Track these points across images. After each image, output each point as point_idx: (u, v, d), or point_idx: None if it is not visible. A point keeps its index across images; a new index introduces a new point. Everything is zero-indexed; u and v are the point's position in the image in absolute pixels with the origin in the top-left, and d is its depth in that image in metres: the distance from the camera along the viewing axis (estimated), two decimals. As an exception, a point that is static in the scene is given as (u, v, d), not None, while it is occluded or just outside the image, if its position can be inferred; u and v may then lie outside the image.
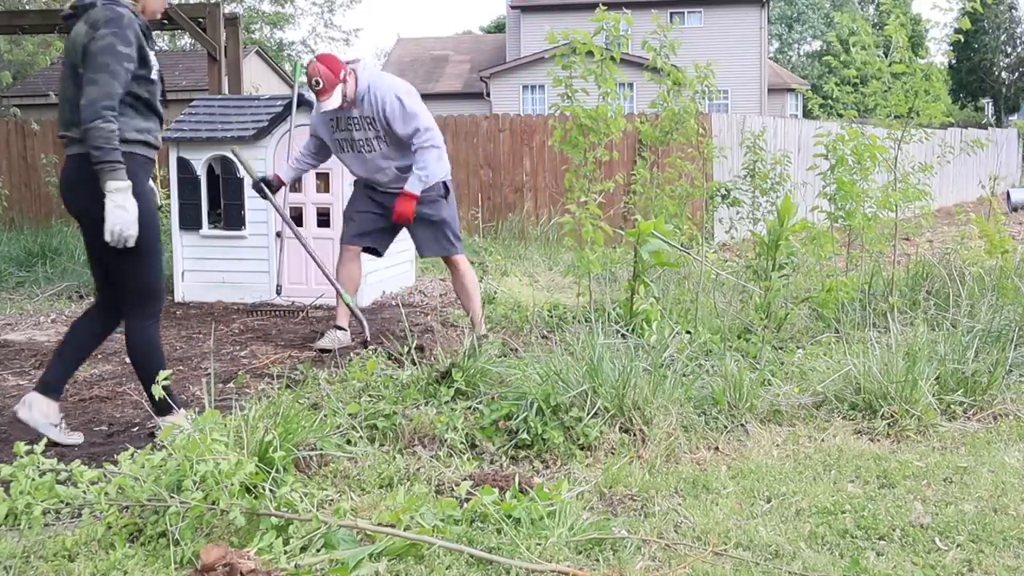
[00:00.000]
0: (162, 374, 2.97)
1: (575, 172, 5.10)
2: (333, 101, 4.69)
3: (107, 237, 3.19)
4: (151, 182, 3.48)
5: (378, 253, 5.26)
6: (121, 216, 3.17)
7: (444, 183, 5.00)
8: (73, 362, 3.67)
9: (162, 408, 3.42)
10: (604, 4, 5.15)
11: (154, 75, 3.38)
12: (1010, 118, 39.76)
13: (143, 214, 3.27)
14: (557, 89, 5.06)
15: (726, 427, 3.51)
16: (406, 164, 4.87)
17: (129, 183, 3.21)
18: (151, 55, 3.36)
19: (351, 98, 4.77)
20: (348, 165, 5.08)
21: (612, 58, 4.90)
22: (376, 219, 5.04)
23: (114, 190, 3.16)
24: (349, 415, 3.43)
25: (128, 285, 3.44)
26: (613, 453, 3.23)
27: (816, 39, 47.73)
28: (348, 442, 3.24)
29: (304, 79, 5.10)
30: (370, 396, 3.71)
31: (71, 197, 3.39)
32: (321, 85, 4.66)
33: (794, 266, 5.15)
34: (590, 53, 4.89)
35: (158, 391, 2.91)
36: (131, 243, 3.24)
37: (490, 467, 3.13)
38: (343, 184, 6.55)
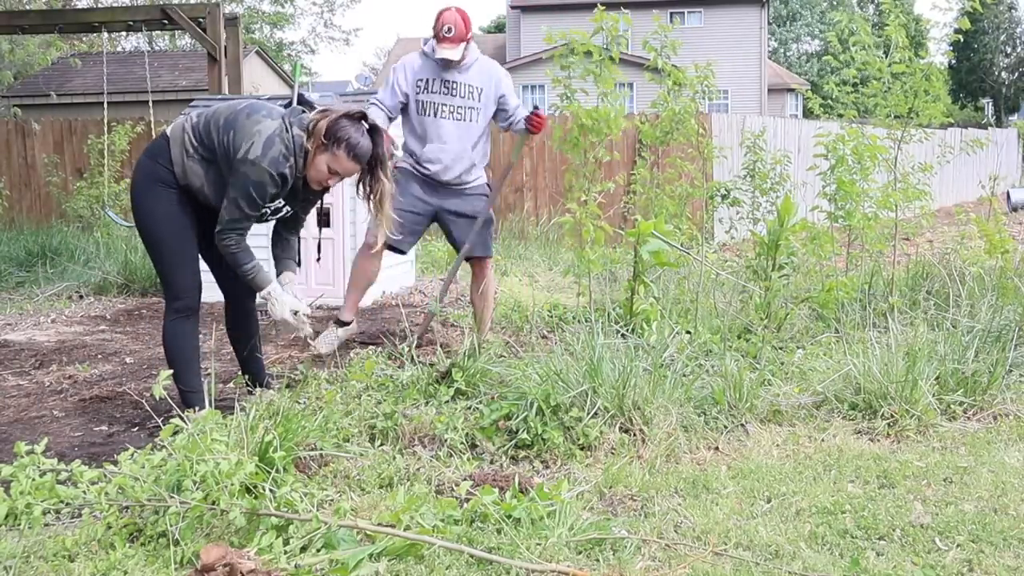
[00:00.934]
0: (163, 374, 2.97)
1: (575, 172, 5.09)
2: (454, 53, 4.50)
3: None
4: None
5: (403, 252, 5.10)
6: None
7: (488, 184, 4.91)
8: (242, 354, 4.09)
9: (186, 400, 3.62)
10: (604, 4, 5.15)
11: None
12: (1010, 118, 39.77)
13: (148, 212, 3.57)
14: (556, 89, 5.05)
15: (726, 427, 3.51)
16: (479, 160, 4.77)
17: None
18: None
19: (466, 62, 4.62)
20: (426, 133, 4.70)
21: (611, 58, 4.89)
22: (419, 221, 4.81)
23: None
24: (349, 415, 3.43)
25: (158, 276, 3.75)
26: (613, 453, 3.23)
27: (812, 37, 47.70)
28: (347, 441, 3.24)
29: (304, 79, 5.07)
30: (370, 396, 3.71)
31: None
32: (452, 33, 4.47)
33: (794, 266, 5.15)
34: (589, 53, 4.88)
35: (158, 391, 2.90)
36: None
37: (490, 467, 3.13)
38: (343, 184, 6.54)
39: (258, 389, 3.92)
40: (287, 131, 3.41)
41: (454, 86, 4.64)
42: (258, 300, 3.68)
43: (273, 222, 3.75)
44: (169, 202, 3.54)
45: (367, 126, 3.49)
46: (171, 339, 3.66)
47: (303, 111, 3.55)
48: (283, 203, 3.58)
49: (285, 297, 3.55)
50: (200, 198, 3.56)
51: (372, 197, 3.59)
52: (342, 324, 4.91)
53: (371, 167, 3.53)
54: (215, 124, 3.45)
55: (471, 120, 4.68)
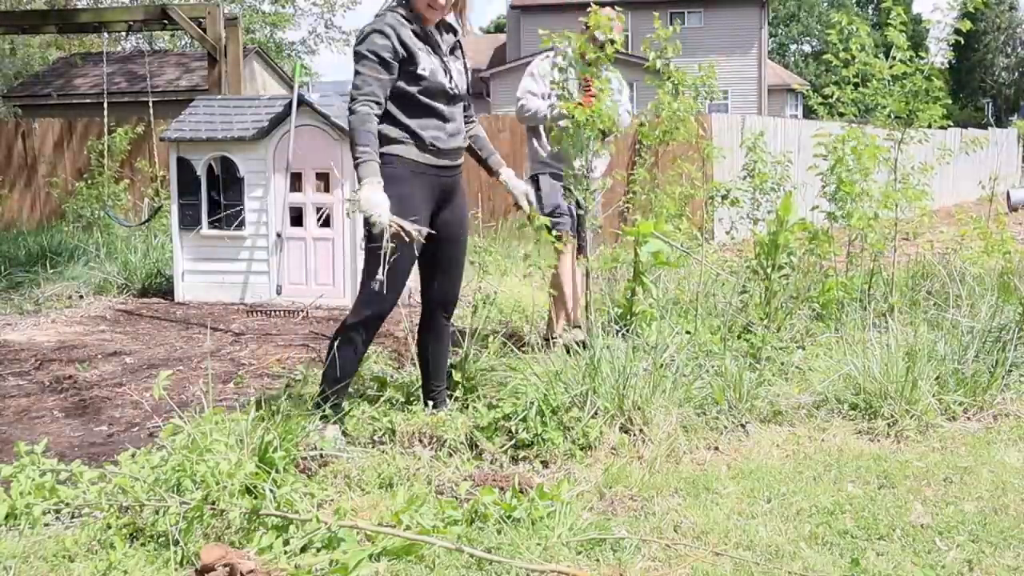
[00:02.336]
0: (163, 374, 2.97)
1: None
2: None
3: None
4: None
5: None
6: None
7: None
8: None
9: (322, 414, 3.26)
10: (603, 4, 5.14)
11: (421, 72, 3.29)
12: (1010, 118, 39.76)
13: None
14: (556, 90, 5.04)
15: (726, 427, 3.51)
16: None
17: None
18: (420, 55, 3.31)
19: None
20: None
21: (606, 56, 4.87)
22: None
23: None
24: (352, 417, 3.43)
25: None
26: (613, 453, 3.23)
27: (810, 36, 47.68)
28: (348, 441, 3.24)
29: (304, 79, 5.04)
30: (370, 396, 3.71)
31: None
32: None
33: (794, 266, 5.14)
34: (583, 55, 4.87)
35: (158, 391, 2.90)
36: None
37: (490, 467, 3.13)
38: (342, 185, 6.55)
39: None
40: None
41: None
42: (356, 187, 3.17)
43: (446, 110, 3.39)
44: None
45: None
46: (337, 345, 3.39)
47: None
48: (428, 68, 3.30)
49: (378, 196, 3.08)
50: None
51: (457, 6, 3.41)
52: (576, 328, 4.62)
53: None
54: None
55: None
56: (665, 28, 5.64)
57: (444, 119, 3.36)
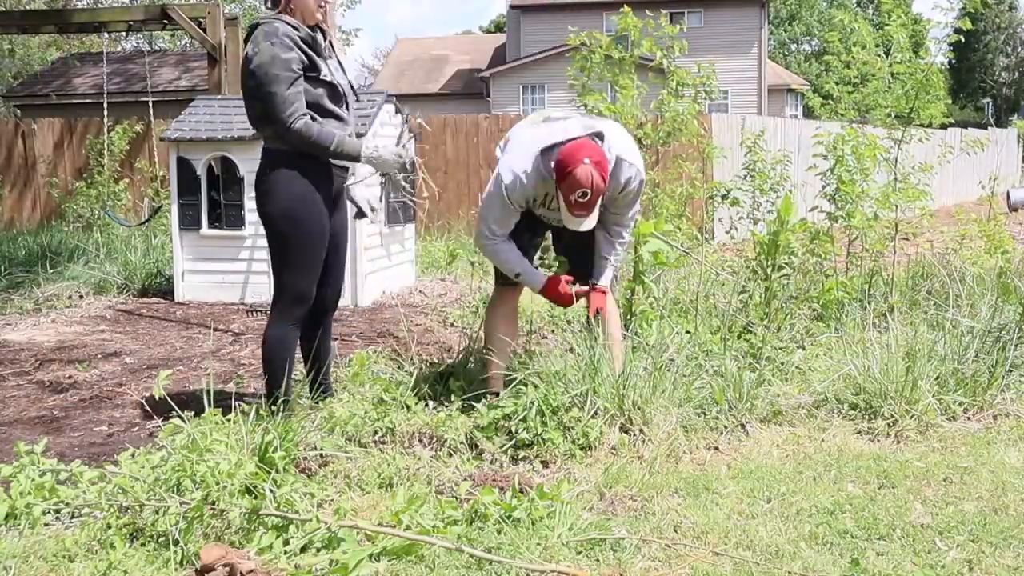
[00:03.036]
0: (163, 374, 2.97)
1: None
2: (590, 222, 3.46)
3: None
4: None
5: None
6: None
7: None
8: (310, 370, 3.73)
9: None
10: (606, 5, 5.15)
11: (324, 77, 3.35)
12: (1010, 118, 39.77)
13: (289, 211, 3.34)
14: (559, 91, 5.08)
15: (726, 427, 3.51)
16: None
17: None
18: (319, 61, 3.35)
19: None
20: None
21: (631, 60, 4.95)
22: None
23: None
24: (349, 415, 3.43)
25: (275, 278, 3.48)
26: (613, 453, 3.23)
27: (810, 36, 47.69)
28: (349, 441, 3.24)
29: None
30: (369, 396, 3.71)
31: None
32: (588, 198, 3.34)
33: (794, 266, 5.14)
34: (608, 56, 4.94)
35: (158, 391, 2.90)
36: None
37: (490, 467, 3.13)
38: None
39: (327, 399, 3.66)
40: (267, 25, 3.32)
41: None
42: (365, 155, 3.35)
43: (348, 116, 3.50)
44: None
45: None
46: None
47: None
48: (326, 73, 3.37)
49: (381, 141, 3.51)
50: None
51: None
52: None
53: None
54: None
55: None
56: (670, 27, 5.67)
57: (344, 121, 3.44)
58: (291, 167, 3.31)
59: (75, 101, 19.43)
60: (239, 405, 3.09)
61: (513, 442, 3.24)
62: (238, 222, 6.82)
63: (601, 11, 26.74)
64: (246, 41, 3.36)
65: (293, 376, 3.54)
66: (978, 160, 16.31)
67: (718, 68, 6.86)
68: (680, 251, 6.33)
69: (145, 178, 11.18)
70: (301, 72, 3.25)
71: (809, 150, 6.06)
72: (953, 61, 6.88)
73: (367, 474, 2.99)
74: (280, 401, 3.34)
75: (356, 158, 3.35)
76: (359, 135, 3.45)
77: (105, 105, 9.99)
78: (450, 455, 3.18)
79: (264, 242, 6.80)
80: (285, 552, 2.39)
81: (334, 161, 3.40)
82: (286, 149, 3.31)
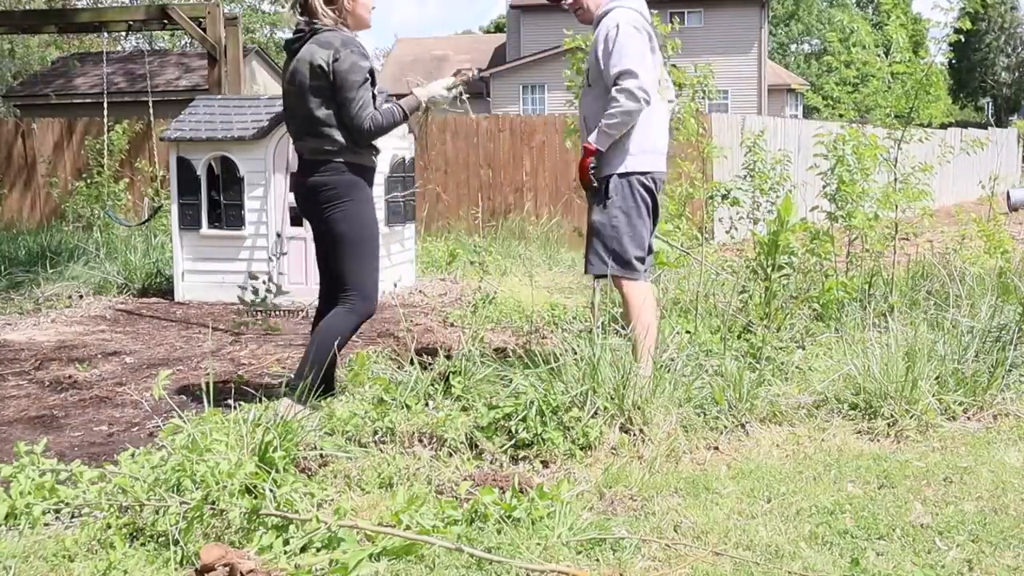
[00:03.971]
0: (163, 374, 2.97)
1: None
2: None
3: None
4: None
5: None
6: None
7: (613, 176, 3.80)
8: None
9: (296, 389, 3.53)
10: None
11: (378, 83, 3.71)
12: (1010, 118, 39.78)
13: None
14: (559, 91, 5.06)
15: (726, 427, 3.51)
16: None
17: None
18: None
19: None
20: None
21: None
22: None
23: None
24: (349, 415, 3.43)
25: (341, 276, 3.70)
26: (613, 453, 3.23)
27: (810, 36, 47.68)
28: (349, 441, 3.24)
29: None
30: (370, 397, 3.71)
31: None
32: None
33: (794, 266, 5.14)
34: None
35: (158, 391, 2.90)
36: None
37: (490, 467, 3.13)
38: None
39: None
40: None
41: None
42: (425, 101, 3.80)
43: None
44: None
45: None
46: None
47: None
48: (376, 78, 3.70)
49: (431, 85, 3.83)
50: None
51: None
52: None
53: None
54: None
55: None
56: (664, 26, 5.66)
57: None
58: (354, 173, 3.63)
59: (75, 101, 19.44)
60: (239, 405, 3.10)
61: (513, 442, 3.24)
62: (238, 222, 6.82)
63: (601, 11, 26.67)
64: (293, 48, 3.65)
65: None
66: (978, 160, 16.32)
67: (718, 68, 6.87)
68: (680, 251, 6.34)
69: (145, 178, 11.17)
70: (370, 78, 3.59)
71: (809, 150, 6.07)
72: (953, 61, 6.88)
73: (367, 474, 2.99)
74: (320, 388, 3.54)
75: (418, 107, 3.77)
76: None
77: (105, 105, 9.99)
78: (450, 455, 3.18)
79: (264, 242, 6.83)
80: (285, 552, 2.39)
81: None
82: (342, 159, 3.59)
